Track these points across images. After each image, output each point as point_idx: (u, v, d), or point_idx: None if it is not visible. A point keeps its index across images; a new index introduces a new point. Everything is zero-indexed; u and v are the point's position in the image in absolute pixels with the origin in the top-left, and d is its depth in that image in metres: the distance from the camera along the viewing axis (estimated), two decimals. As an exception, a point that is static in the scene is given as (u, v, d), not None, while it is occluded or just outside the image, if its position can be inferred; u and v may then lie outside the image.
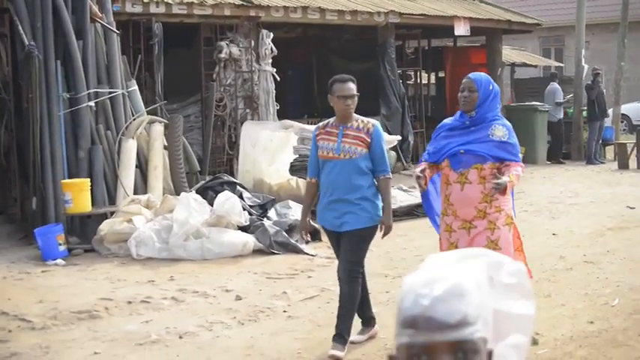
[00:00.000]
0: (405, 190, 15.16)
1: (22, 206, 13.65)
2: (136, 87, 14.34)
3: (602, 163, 23.82)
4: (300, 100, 23.45)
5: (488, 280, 2.12)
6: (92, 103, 13.39)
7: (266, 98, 17.31)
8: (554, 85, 24.50)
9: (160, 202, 12.76)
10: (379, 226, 7.42)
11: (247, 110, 17.27)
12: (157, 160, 13.73)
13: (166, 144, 14.01)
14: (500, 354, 2.15)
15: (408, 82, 24.80)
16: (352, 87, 7.39)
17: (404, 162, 20.19)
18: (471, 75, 7.14)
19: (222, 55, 16.98)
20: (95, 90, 13.47)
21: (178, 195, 12.93)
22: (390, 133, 17.98)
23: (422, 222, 12.09)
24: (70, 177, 13.00)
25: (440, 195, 7.26)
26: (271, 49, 17.48)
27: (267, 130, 15.65)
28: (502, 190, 6.57)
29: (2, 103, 13.85)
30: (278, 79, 17.51)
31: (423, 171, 6.93)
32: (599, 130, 24.12)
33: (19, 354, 7.73)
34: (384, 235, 7.46)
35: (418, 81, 24.69)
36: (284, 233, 12.06)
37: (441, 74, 26.98)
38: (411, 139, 21.04)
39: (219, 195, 12.48)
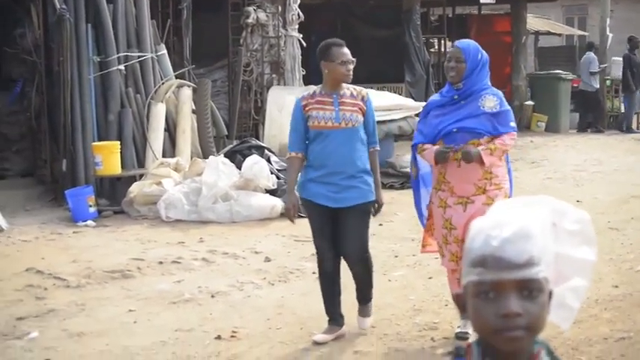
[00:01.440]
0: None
1: (52, 168, 13.81)
2: (165, 51, 14.49)
3: (635, 132, 23.86)
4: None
5: (552, 226, 2.27)
6: (122, 67, 13.56)
7: (292, 64, 17.38)
8: (590, 55, 24.40)
9: (188, 166, 12.92)
10: (373, 204, 6.94)
11: (274, 75, 17.35)
12: (185, 124, 13.89)
13: (194, 108, 14.16)
14: (561, 294, 2.31)
15: (432, 49, 24.82)
16: (349, 52, 6.90)
17: (428, 129, 20.24)
18: (459, 43, 6.71)
19: (250, 21, 17.05)
20: (125, 54, 13.64)
21: (206, 158, 13.09)
22: (414, 100, 18.05)
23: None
24: (99, 139, 13.19)
25: (430, 179, 6.90)
26: (298, 14, 17.54)
27: (293, 96, 15.67)
28: (475, 158, 6.37)
29: (33, 66, 14.00)
30: (304, 44, 17.58)
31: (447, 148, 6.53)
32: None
33: (56, 310, 7.92)
34: (377, 213, 7.03)
35: (442, 49, 24.70)
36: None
37: (466, 42, 26.94)
38: (435, 105, 21.10)
39: (247, 159, 12.62)
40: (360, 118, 6.83)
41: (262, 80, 17.24)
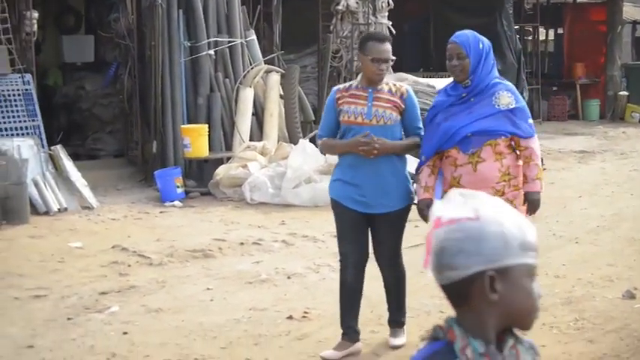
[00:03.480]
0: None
1: (143, 149, 14.20)
2: (254, 37, 14.75)
3: None
4: (416, 53, 23.54)
5: None
6: (212, 52, 13.85)
7: (381, 51, 17.48)
8: None
9: (274, 149, 13.15)
10: (407, 209, 6.47)
11: (362, 62, 17.47)
12: (272, 109, 14.13)
13: (282, 93, 14.38)
14: None
15: (527, 38, 24.69)
16: (389, 49, 6.27)
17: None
18: (456, 38, 6.05)
19: (340, 7, 17.21)
20: (215, 39, 13.93)
21: (292, 143, 13.31)
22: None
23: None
24: (188, 122, 13.54)
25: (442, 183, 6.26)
26: (388, 2, 17.63)
27: (381, 83, 15.85)
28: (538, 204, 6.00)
29: (127, 50, 14.37)
30: (394, 32, 17.65)
31: (428, 203, 5.97)
32: None
33: (137, 287, 8.22)
34: (369, 147, 6.18)
35: (537, 37, 24.55)
36: (393, 183, 12.30)
37: (560, 31, 26.73)
38: (525, 95, 20.99)
39: (331, 144, 12.78)
40: (396, 116, 6.26)
41: (351, 67, 17.38)
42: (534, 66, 23.83)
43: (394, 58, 6.41)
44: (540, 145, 6.37)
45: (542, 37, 25.72)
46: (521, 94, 20.66)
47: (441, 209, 2.26)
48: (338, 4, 17.19)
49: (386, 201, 6.32)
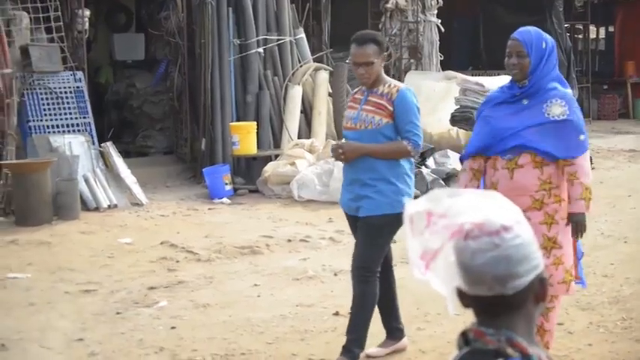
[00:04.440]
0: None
1: (192, 147, 14.32)
2: (303, 35, 14.81)
3: None
4: (466, 51, 23.47)
5: None
6: (261, 50, 13.93)
7: (430, 49, 17.47)
8: None
9: (322, 147, 13.19)
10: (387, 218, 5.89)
11: (411, 60, 17.48)
12: (321, 106, 14.18)
13: (331, 91, 14.42)
14: None
15: (578, 36, 24.51)
16: (369, 52, 5.87)
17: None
18: (517, 34, 5.54)
19: (389, 5, 17.23)
20: (264, 37, 14.00)
21: (340, 140, 13.33)
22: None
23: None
24: (237, 120, 13.63)
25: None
26: (437, 0, 17.62)
27: (430, 80, 15.84)
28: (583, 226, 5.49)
29: (176, 48, 14.49)
30: (443, 30, 17.63)
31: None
32: None
33: (185, 282, 8.31)
34: (335, 153, 6.10)
35: (587, 35, 24.37)
36: (441, 181, 12.30)
37: (611, 29, 26.49)
38: (575, 93, 20.87)
39: (379, 142, 12.80)
40: (381, 120, 5.89)
41: (400, 65, 17.39)
42: (584, 64, 23.64)
43: (374, 60, 5.88)
44: (590, 144, 6.12)
45: (592, 36, 25.54)
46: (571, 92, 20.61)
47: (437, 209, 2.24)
48: (387, 2, 17.21)
49: (366, 204, 5.98)
